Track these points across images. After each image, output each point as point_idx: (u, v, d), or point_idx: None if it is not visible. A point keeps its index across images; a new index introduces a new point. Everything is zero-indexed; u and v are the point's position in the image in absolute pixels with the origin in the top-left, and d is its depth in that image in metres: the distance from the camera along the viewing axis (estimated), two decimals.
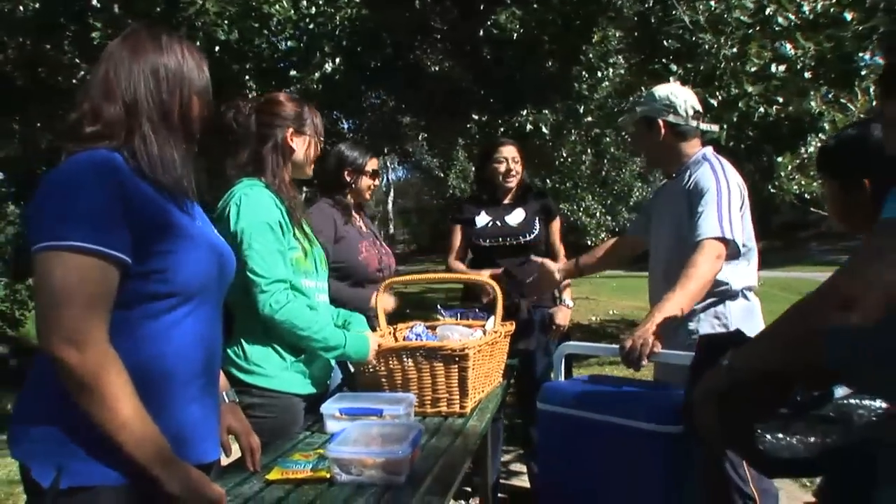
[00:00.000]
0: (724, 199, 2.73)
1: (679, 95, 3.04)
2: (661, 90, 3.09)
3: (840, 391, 1.49)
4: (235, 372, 2.44)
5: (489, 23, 5.76)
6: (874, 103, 5.94)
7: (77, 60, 7.14)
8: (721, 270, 2.71)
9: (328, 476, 1.93)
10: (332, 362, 2.75)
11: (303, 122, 2.64)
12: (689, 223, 2.77)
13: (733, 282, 2.87)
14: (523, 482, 4.42)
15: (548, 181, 13.61)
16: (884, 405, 1.40)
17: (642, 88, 9.75)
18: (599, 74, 8.60)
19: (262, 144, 2.61)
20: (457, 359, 2.60)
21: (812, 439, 1.45)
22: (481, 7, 6.11)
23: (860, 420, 1.43)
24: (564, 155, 11.86)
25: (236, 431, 2.05)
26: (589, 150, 12.06)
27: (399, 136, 12.25)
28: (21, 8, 7.21)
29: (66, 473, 1.48)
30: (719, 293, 2.85)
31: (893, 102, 1.51)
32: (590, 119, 10.06)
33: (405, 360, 2.64)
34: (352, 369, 2.88)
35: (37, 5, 7.15)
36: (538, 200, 4.28)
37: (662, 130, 3.00)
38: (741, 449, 1.61)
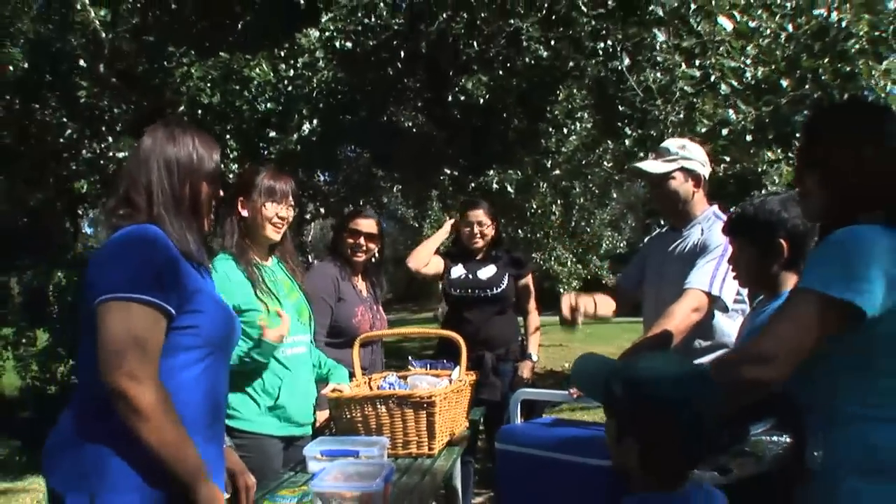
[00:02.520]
0: (726, 258, 2.64)
1: (703, 153, 3.16)
2: (692, 146, 3.15)
3: (756, 428, 1.77)
4: None
5: (457, 88, 6.14)
6: None
7: (64, 119, 7.41)
8: (706, 321, 2.85)
9: None
10: (312, 407, 3.03)
11: (250, 189, 2.92)
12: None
13: (734, 335, 2.84)
14: None
15: (520, 231, 13.99)
16: (788, 439, 1.68)
17: (609, 143, 10.23)
18: (565, 130, 9.02)
19: (225, 219, 2.94)
20: (425, 405, 2.86)
21: (730, 469, 1.71)
22: (450, 73, 6.50)
23: (769, 453, 1.71)
24: (535, 206, 12.26)
25: (234, 471, 2.31)
26: (558, 202, 12.45)
27: (374, 187, 12.60)
28: (11, 68, 7.51)
29: (99, 501, 1.76)
30: (721, 346, 2.93)
31: (811, 174, 1.79)
32: (558, 172, 10.49)
33: (379, 406, 2.90)
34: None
35: (25, 65, 7.46)
36: (510, 259, 4.55)
37: (701, 183, 3.09)
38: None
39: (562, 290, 16.26)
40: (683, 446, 1.53)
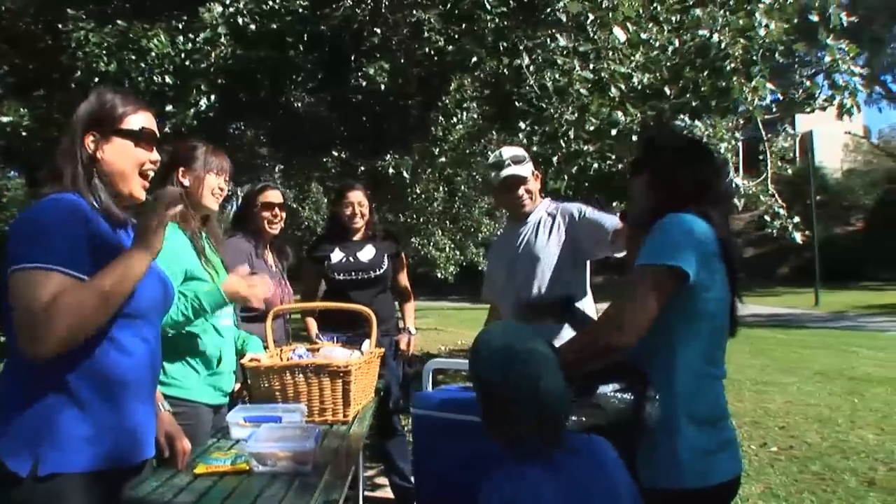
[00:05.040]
0: None
1: None
2: (523, 151, 3.77)
3: (606, 388, 2.12)
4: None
5: (360, 73, 6.26)
6: None
7: None
8: None
9: (247, 468, 2.34)
10: (233, 377, 3.14)
11: (191, 160, 2.99)
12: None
13: None
14: (387, 494, 4.87)
15: (401, 216, 14.18)
16: (627, 397, 2.03)
17: (493, 133, 10.58)
18: (454, 119, 9.28)
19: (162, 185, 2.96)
20: (342, 374, 3.05)
21: (579, 418, 2.04)
22: (352, 58, 6.60)
23: (612, 408, 2.04)
24: (418, 192, 12.48)
25: (172, 435, 2.41)
26: (441, 189, 12.73)
27: (255, 166, 12.46)
28: None
29: (43, 462, 1.79)
30: None
31: (635, 180, 2.30)
32: (444, 160, 10.75)
33: (297, 375, 3.06)
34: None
35: None
36: (386, 239, 4.80)
37: (539, 180, 3.73)
38: None
39: (439, 276, 16.67)
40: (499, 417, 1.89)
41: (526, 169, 3.64)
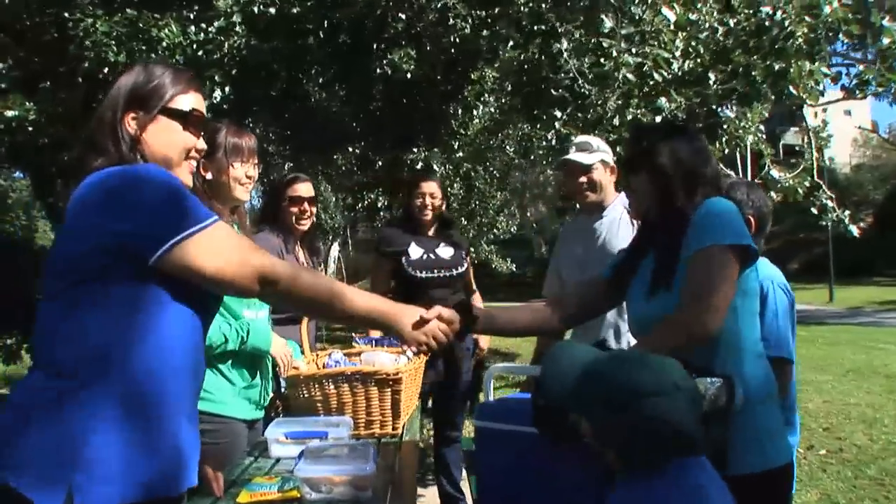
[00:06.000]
0: None
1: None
2: (602, 142, 3.62)
3: None
4: None
5: (385, 61, 5.97)
6: (726, 151, 6.63)
7: None
8: None
9: (298, 495, 2.02)
10: (270, 388, 2.84)
11: (213, 150, 2.65)
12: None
13: None
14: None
15: None
16: (717, 380, 1.85)
17: (510, 128, 10.30)
18: (474, 112, 9.01)
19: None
20: (390, 382, 2.74)
21: None
22: (375, 46, 6.31)
23: (711, 395, 1.83)
24: None
25: (205, 459, 2.09)
26: (456, 184, 12.42)
27: (266, 165, 12.21)
28: None
29: (79, 495, 1.47)
30: None
31: (636, 176, 2.26)
32: (461, 154, 10.47)
33: (340, 385, 2.75)
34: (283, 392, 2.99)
35: None
36: (456, 236, 4.56)
37: (614, 171, 3.53)
38: None
39: None
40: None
41: (589, 157, 3.48)
